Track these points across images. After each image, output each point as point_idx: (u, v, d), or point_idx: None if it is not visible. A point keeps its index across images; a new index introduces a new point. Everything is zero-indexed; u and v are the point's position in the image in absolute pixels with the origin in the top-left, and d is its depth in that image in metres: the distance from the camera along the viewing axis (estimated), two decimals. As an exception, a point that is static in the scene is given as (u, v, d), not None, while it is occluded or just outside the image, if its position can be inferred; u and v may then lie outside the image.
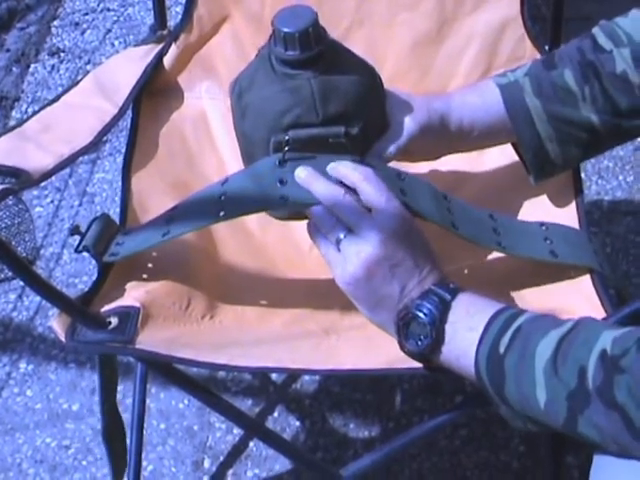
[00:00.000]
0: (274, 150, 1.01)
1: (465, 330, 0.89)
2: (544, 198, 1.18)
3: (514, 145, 1.12)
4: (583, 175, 1.86)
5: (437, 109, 1.07)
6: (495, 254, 1.12)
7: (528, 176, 1.12)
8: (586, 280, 1.07)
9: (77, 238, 1.04)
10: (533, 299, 1.07)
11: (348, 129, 1.01)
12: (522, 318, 0.86)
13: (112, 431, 1.17)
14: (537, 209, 1.17)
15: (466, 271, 1.14)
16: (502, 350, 0.84)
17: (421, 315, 0.91)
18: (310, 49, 1.00)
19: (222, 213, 1.00)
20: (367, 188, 0.95)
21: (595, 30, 1.07)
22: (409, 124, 1.06)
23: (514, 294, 1.11)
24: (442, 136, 1.09)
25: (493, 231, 1.05)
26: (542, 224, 1.09)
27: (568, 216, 1.15)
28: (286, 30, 0.99)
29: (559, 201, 1.18)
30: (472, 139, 1.11)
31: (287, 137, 1.00)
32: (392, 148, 1.05)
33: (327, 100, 1.00)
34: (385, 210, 0.94)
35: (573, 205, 1.16)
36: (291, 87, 1.01)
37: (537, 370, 0.80)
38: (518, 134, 1.08)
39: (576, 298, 1.05)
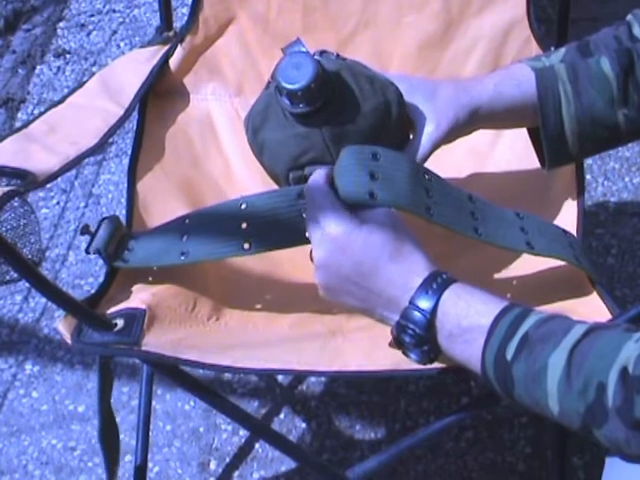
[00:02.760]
0: (294, 182, 1.02)
1: (462, 342, 0.87)
2: (547, 200, 1.19)
3: (529, 130, 1.11)
4: (589, 176, 1.89)
5: (466, 105, 1.05)
6: (496, 255, 1.12)
7: (541, 165, 1.11)
8: (589, 283, 1.07)
9: (83, 239, 1.04)
10: (536, 301, 1.07)
11: None
12: (528, 323, 0.83)
13: (108, 432, 1.17)
14: (541, 211, 1.17)
15: (468, 271, 1.13)
16: (509, 357, 0.82)
17: (406, 338, 0.91)
18: (315, 101, 0.98)
19: (246, 246, 1.00)
20: (312, 215, 0.95)
21: (630, 18, 1.06)
22: (432, 135, 1.04)
23: (516, 296, 1.10)
24: (468, 126, 1.07)
25: (471, 215, 1.02)
26: (518, 213, 1.07)
27: (569, 219, 1.15)
28: (289, 87, 0.97)
29: (561, 203, 1.18)
30: (500, 124, 1.12)
31: (305, 174, 1.01)
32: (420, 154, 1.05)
33: (340, 143, 0.99)
34: (320, 245, 0.93)
35: (574, 208, 1.17)
36: (303, 133, 1.00)
37: (549, 384, 0.79)
38: (543, 120, 1.05)
39: (580, 301, 1.05)
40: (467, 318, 0.87)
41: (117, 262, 1.04)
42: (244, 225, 1.01)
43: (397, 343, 0.92)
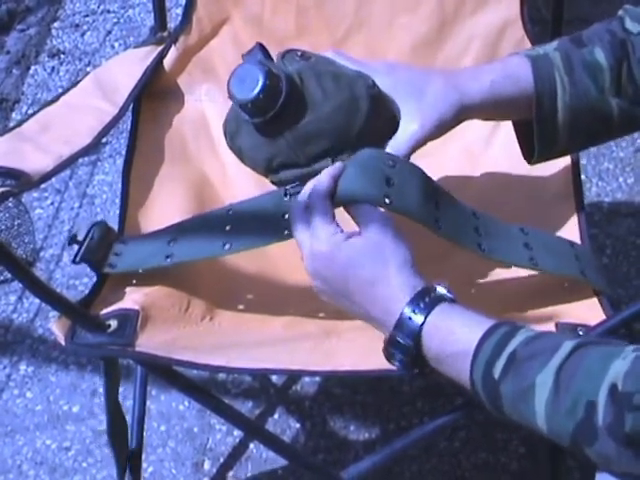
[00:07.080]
0: (273, 184, 1.03)
1: (451, 358, 0.87)
2: (542, 199, 1.19)
3: (514, 123, 1.09)
4: (583, 177, 1.87)
5: (455, 104, 1.01)
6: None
7: (525, 158, 1.10)
8: (585, 284, 1.07)
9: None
10: (531, 302, 1.07)
11: (336, 158, 0.99)
12: (516, 341, 0.82)
13: (116, 430, 1.17)
14: (537, 214, 1.17)
15: (462, 273, 1.13)
16: (497, 376, 0.81)
17: (395, 362, 0.91)
18: (267, 112, 0.97)
19: (227, 246, 1.01)
20: (313, 221, 0.94)
21: (621, 13, 1.05)
22: (413, 136, 1.01)
23: (513, 298, 1.11)
24: (455, 123, 1.03)
25: (475, 230, 1.02)
26: (522, 229, 1.07)
27: (568, 226, 1.16)
28: (237, 99, 0.96)
29: (556, 203, 1.18)
30: (489, 118, 1.11)
31: (279, 177, 1.01)
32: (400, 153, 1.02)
33: (305, 145, 0.98)
34: (308, 257, 0.94)
35: (570, 209, 1.17)
36: (267, 140, 0.99)
37: (537, 403, 0.78)
38: (537, 109, 1.03)
39: (575, 303, 1.05)
40: (451, 345, 0.86)
41: (105, 268, 1.05)
42: (228, 227, 1.02)
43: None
